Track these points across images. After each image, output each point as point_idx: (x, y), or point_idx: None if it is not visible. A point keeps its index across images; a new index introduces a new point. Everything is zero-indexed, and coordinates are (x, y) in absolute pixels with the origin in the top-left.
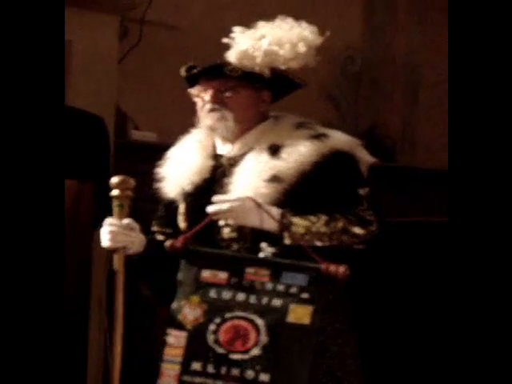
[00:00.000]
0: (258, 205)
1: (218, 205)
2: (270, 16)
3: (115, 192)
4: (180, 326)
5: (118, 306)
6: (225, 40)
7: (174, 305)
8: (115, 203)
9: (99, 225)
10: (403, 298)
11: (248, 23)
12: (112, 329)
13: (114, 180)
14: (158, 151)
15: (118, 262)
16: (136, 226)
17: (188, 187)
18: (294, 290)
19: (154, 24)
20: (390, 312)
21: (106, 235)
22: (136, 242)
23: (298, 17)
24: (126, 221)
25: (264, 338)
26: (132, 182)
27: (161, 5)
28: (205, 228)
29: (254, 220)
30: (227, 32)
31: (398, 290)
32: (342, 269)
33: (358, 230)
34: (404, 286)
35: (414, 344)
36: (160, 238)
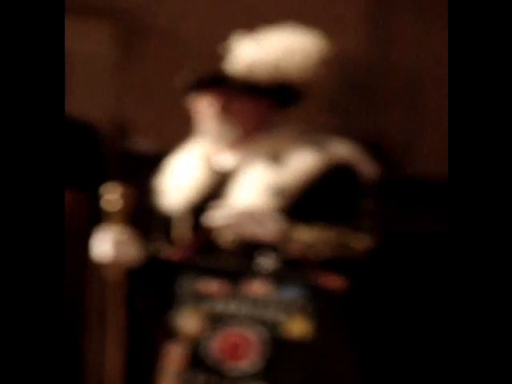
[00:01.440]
0: (257, 216)
1: (216, 217)
2: (269, 23)
3: (112, 202)
4: (177, 338)
5: (116, 319)
6: (229, 48)
7: (173, 316)
8: (112, 213)
9: (94, 236)
10: (406, 309)
11: (247, 31)
12: (111, 341)
13: (111, 190)
14: (155, 160)
15: (115, 274)
16: (133, 237)
17: (188, 199)
18: (290, 303)
19: (152, 31)
20: (393, 323)
21: (102, 247)
22: (133, 253)
23: (297, 25)
24: (123, 232)
25: (257, 351)
26: (129, 191)
27: (159, 12)
28: (204, 240)
29: (253, 232)
30: (226, 40)
31: (400, 301)
32: (338, 282)
33: (359, 242)
34: (406, 297)
35: (417, 356)
36: (159, 250)
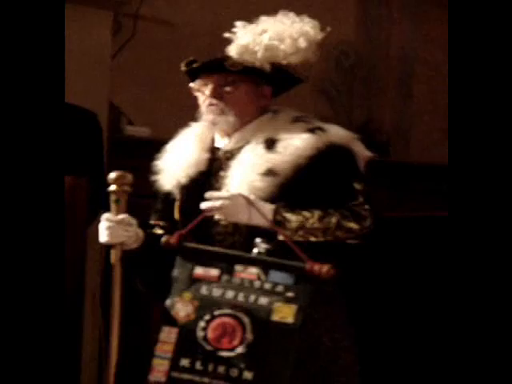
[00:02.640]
0: (250, 202)
1: (210, 201)
2: (263, 11)
3: (112, 187)
4: (172, 322)
5: (115, 301)
6: (226, 34)
7: (168, 301)
8: (112, 198)
9: (93, 220)
10: (399, 293)
11: (242, 18)
12: (108, 323)
13: (112, 175)
14: (151, 146)
15: (115, 257)
16: (133, 221)
17: (184, 180)
18: (279, 288)
19: (147, 19)
20: (386, 307)
21: (103, 231)
22: (133, 237)
23: (292, 11)
24: (123, 216)
25: (249, 336)
26: (129, 177)
27: (156, 1)
28: (200, 222)
29: (245, 217)
30: (221, 27)
31: (394, 285)
32: (325, 268)
33: (352, 225)
34: (400, 281)
35: (412, 339)
36: (158, 231)
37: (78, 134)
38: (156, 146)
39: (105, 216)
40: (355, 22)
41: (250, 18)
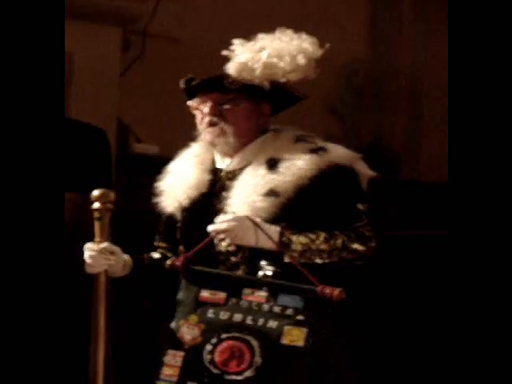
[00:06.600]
0: (256, 224)
1: (216, 224)
2: (273, 29)
3: (95, 205)
4: (178, 346)
5: (100, 328)
6: (224, 52)
7: (173, 324)
8: (95, 216)
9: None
10: (405, 312)
11: (251, 36)
12: (94, 346)
13: (95, 193)
14: (159, 164)
15: (97, 286)
16: (116, 248)
17: (185, 201)
18: (289, 311)
19: (156, 37)
20: (391, 326)
21: (86, 260)
22: (117, 264)
23: (301, 30)
24: (105, 244)
25: (258, 360)
26: (112, 195)
27: (164, 18)
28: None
29: (252, 239)
30: (230, 45)
31: (399, 304)
32: (336, 291)
33: (357, 247)
34: (405, 299)
35: (415, 358)
36: (156, 255)
37: (86, 150)
38: (164, 163)
39: (87, 245)
40: (365, 40)
41: (256, 35)
